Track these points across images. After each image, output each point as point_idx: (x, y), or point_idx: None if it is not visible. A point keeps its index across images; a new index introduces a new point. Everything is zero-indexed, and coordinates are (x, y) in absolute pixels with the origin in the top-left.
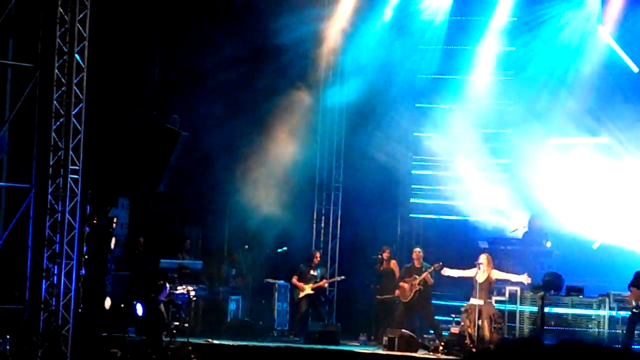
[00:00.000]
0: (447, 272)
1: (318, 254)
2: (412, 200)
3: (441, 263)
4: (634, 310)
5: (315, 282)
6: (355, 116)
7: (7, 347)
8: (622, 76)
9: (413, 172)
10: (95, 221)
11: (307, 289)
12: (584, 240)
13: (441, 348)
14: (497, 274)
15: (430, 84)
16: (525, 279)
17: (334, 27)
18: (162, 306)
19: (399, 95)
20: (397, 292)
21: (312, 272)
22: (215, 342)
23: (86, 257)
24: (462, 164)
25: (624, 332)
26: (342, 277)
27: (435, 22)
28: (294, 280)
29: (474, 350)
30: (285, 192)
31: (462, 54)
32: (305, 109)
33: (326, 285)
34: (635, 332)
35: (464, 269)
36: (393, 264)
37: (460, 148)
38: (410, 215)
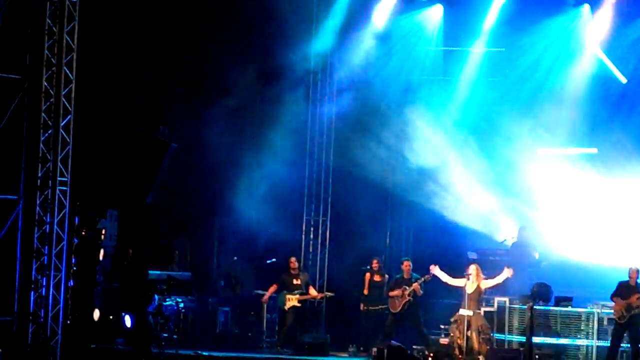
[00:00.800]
0: (437, 271)
1: (293, 259)
2: (402, 208)
3: (431, 274)
4: (619, 320)
5: (302, 293)
6: (345, 127)
7: None
8: (610, 87)
9: (402, 175)
10: (83, 233)
11: (293, 301)
12: (570, 254)
13: (430, 359)
14: (486, 283)
15: (420, 95)
16: (508, 272)
17: (325, 42)
18: (150, 317)
19: (389, 106)
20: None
21: (295, 281)
22: (204, 353)
23: (75, 268)
24: (451, 175)
25: (610, 342)
26: (332, 294)
27: (425, 33)
28: (272, 289)
29: None
30: (275, 203)
31: (453, 65)
32: (294, 122)
33: (315, 294)
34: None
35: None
36: (385, 278)
37: (450, 159)
38: (401, 220)
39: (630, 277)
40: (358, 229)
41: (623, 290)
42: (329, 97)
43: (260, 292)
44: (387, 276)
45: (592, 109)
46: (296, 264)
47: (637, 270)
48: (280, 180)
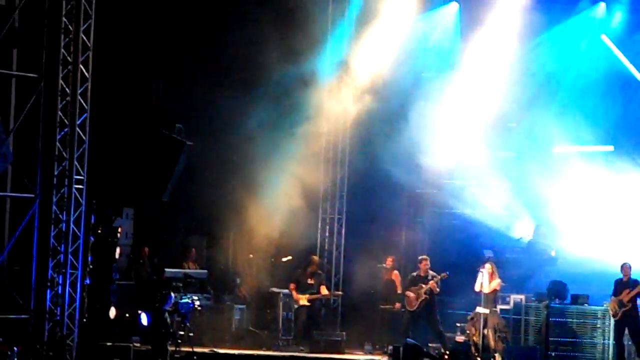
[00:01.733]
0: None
1: (316, 260)
2: (418, 206)
3: (447, 273)
4: (614, 317)
5: (312, 293)
6: (360, 125)
7: (15, 359)
8: (627, 85)
9: (418, 173)
10: (99, 231)
11: (304, 300)
12: (587, 252)
13: (446, 357)
14: (496, 284)
15: (438, 93)
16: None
17: (345, 44)
18: (167, 315)
19: (406, 105)
20: (397, 304)
21: (309, 280)
22: (220, 351)
23: (91, 266)
24: (467, 173)
25: (614, 341)
26: (340, 292)
27: (440, 27)
28: (292, 288)
29: (479, 359)
30: (290, 201)
31: (469, 61)
32: (311, 120)
33: (326, 295)
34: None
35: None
36: (395, 275)
37: (466, 157)
38: (416, 218)
39: (623, 274)
40: (374, 227)
41: (617, 287)
42: (348, 97)
43: (275, 290)
44: (395, 273)
45: (609, 107)
46: (316, 267)
47: (629, 267)
48: (297, 178)
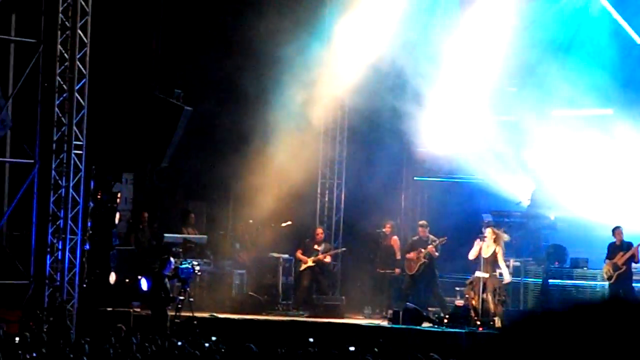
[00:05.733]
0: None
1: (320, 230)
2: (417, 170)
3: (446, 237)
4: (609, 281)
5: (317, 254)
6: (360, 89)
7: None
8: (626, 49)
9: (417, 137)
10: (99, 196)
11: (309, 262)
12: (586, 216)
13: (446, 321)
14: (500, 252)
15: (435, 53)
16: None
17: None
18: (166, 281)
19: (402, 67)
20: (397, 270)
21: (316, 246)
22: (220, 316)
23: (90, 232)
24: (466, 136)
25: None
26: (344, 248)
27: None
28: (298, 253)
29: (478, 323)
30: (290, 166)
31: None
32: (310, 84)
33: (328, 259)
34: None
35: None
36: (394, 240)
37: (464, 119)
38: (415, 178)
39: (616, 238)
40: (373, 191)
41: (611, 251)
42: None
43: (275, 254)
44: (394, 238)
45: (607, 70)
46: (321, 236)
47: (621, 230)
48: (296, 142)
